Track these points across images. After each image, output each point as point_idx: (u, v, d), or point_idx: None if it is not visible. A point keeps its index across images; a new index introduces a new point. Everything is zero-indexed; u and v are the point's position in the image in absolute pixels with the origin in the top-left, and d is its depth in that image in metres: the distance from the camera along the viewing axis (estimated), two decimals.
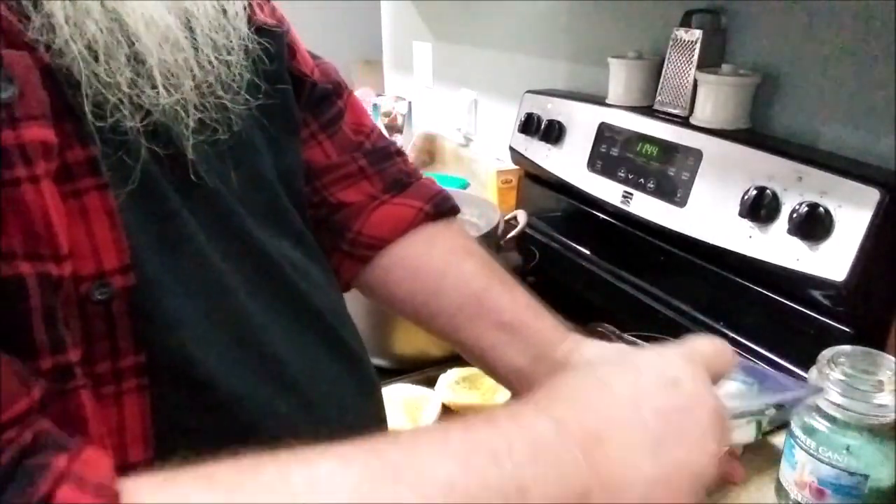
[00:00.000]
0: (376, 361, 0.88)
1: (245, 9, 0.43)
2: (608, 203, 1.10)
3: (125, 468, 0.28)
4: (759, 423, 0.53)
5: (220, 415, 0.38)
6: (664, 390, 0.37)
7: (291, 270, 0.46)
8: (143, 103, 0.36)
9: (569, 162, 1.19)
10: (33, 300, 0.30)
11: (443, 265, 0.59)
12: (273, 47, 0.47)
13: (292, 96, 0.53)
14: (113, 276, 0.34)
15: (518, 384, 0.56)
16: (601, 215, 1.14)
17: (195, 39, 0.38)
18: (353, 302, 0.89)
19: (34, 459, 0.25)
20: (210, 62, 0.39)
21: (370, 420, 0.52)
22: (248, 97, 0.43)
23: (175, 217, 0.38)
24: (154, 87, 0.36)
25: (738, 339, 0.90)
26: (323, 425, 0.44)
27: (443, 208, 0.62)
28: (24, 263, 0.29)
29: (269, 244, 0.45)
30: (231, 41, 0.41)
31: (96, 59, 0.33)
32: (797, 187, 0.80)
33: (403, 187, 0.61)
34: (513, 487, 0.31)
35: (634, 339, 0.87)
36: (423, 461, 0.31)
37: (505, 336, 0.57)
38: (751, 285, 0.88)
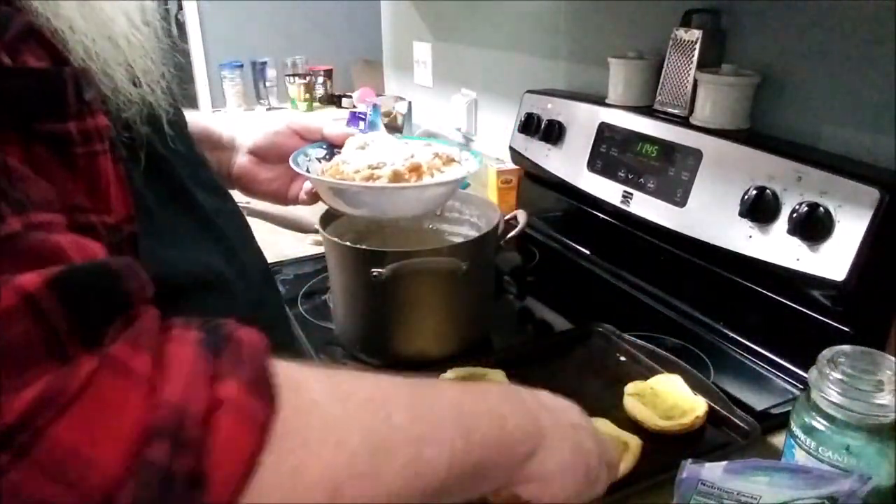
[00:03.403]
0: (376, 361, 0.88)
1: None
2: (608, 203, 1.10)
3: None
4: None
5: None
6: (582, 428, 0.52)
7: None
8: (133, 98, 0.45)
9: (569, 162, 1.19)
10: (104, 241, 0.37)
11: None
12: None
13: None
14: (125, 223, 0.42)
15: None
16: (601, 215, 1.14)
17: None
18: (353, 303, 0.90)
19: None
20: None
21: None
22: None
23: (172, 179, 0.52)
24: (136, 83, 0.45)
25: (738, 338, 0.90)
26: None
27: None
28: (92, 215, 0.38)
29: (204, 199, 0.56)
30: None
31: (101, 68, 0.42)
32: (797, 187, 0.80)
33: None
34: (496, 414, 0.44)
35: (634, 339, 0.87)
36: (435, 385, 0.46)
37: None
38: (751, 285, 0.88)
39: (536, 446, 0.46)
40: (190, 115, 0.66)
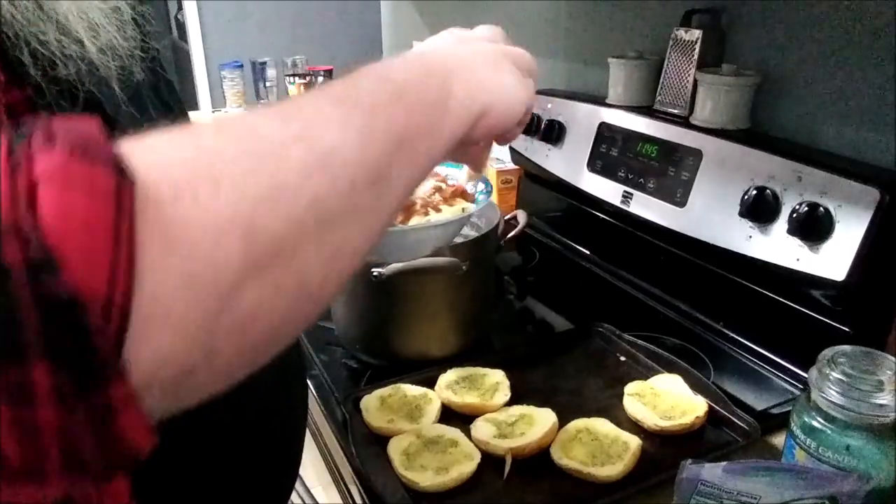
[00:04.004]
0: (376, 361, 0.88)
1: None
2: (608, 203, 1.10)
3: None
4: None
5: None
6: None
7: None
8: (72, 54, 0.40)
9: (569, 162, 1.19)
10: None
11: None
12: None
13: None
14: None
15: None
16: (601, 215, 1.14)
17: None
18: (353, 303, 0.90)
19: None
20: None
21: None
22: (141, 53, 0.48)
23: None
24: (79, 41, 0.40)
25: (739, 339, 0.90)
26: None
27: None
28: None
29: None
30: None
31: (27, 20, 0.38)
32: (797, 187, 0.80)
33: None
34: (386, 78, 0.39)
35: (634, 339, 0.87)
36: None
37: None
38: (751, 285, 0.88)
39: (447, 83, 0.42)
40: None
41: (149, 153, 0.27)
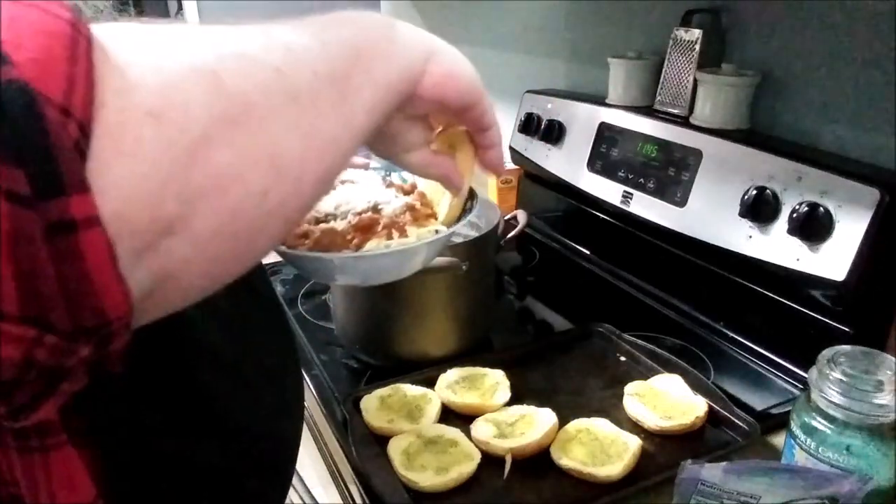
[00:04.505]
0: (376, 361, 0.88)
1: None
2: (608, 203, 1.10)
3: None
4: None
5: None
6: None
7: None
8: None
9: (569, 162, 1.19)
10: None
11: None
12: None
13: None
14: None
15: None
16: (601, 215, 1.14)
17: None
18: (353, 303, 0.90)
19: None
20: None
21: None
22: None
23: None
24: None
25: (739, 338, 0.90)
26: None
27: None
28: None
29: None
30: None
31: None
32: (797, 187, 0.80)
33: None
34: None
35: (634, 339, 0.87)
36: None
37: None
38: (751, 285, 0.88)
39: (390, 28, 0.41)
40: None
41: (107, 29, 0.26)
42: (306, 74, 0.33)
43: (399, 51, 0.41)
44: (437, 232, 0.54)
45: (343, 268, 0.54)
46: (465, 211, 0.57)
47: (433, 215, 0.57)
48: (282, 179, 0.31)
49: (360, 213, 0.55)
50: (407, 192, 0.60)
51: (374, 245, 0.52)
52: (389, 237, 0.53)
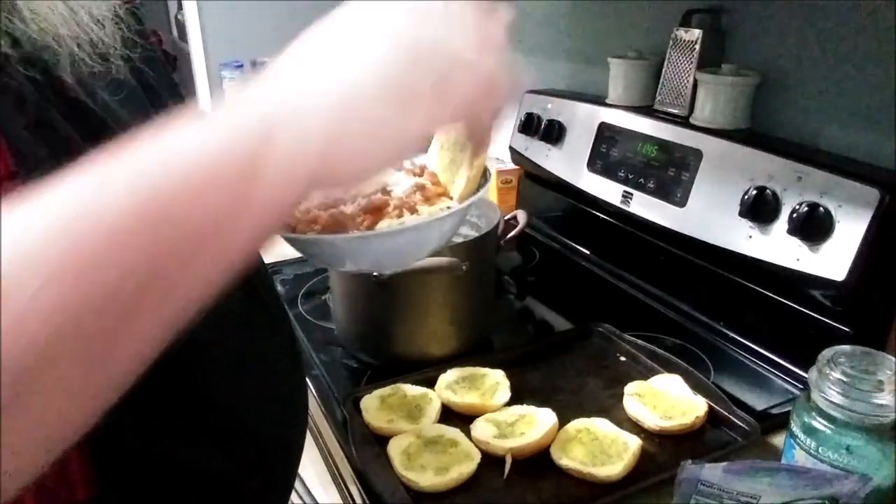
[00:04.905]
0: (376, 361, 0.88)
1: None
2: (608, 203, 1.10)
3: None
4: None
5: None
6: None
7: None
8: (13, 31, 0.38)
9: (569, 162, 1.19)
10: None
11: None
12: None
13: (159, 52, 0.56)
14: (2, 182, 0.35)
15: None
16: (601, 215, 1.14)
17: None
18: (353, 303, 0.90)
19: None
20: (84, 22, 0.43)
21: None
22: (125, 50, 0.47)
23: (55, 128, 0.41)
24: (23, 20, 0.39)
25: (739, 338, 0.90)
26: None
27: None
28: None
29: None
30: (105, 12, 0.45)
31: None
32: (797, 187, 0.80)
33: None
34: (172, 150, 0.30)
35: (634, 339, 0.87)
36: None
37: None
38: (751, 285, 0.88)
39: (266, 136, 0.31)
40: None
41: None
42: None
43: (263, 194, 0.31)
44: (449, 208, 0.51)
45: (354, 251, 0.51)
46: (479, 188, 0.54)
47: (444, 193, 0.54)
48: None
49: (368, 196, 0.52)
50: (417, 175, 0.57)
51: (385, 225, 0.49)
52: (401, 217, 0.49)
